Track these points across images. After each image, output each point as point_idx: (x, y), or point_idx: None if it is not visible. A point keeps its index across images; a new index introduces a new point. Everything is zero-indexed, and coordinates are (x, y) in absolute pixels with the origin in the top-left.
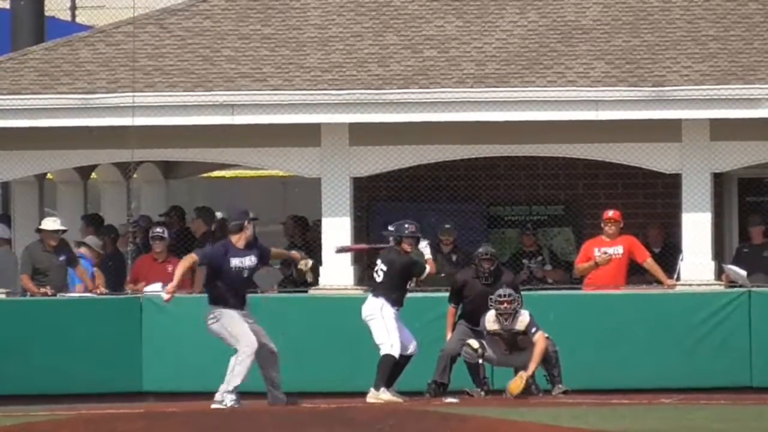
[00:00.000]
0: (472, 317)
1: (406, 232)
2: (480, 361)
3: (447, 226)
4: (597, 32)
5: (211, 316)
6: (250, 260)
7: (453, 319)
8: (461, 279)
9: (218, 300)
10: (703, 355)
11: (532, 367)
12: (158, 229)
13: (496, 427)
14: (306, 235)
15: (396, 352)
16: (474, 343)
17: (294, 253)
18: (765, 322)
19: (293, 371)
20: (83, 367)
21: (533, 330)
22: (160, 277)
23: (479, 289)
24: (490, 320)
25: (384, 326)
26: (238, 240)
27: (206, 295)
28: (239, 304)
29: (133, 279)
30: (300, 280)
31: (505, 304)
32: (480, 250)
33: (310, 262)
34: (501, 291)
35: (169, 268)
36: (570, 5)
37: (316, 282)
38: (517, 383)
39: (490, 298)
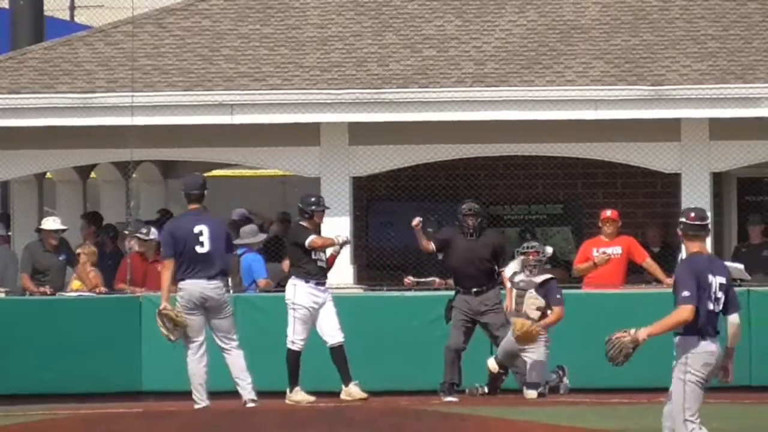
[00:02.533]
0: (459, 278)
1: (314, 207)
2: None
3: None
4: (596, 31)
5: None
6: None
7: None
8: (447, 234)
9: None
10: None
11: (542, 323)
12: (143, 230)
13: (495, 426)
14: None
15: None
16: (493, 367)
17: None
18: (764, 321)
19: None
20: (82, 366)
21: (557, 296)
22: (150, 276)
23: (464, 246)
24: (513, 269)
25: (290, 317)
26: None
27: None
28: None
29: (122, 278)
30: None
31: (532, 255)
32: (463, 206)
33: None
34: (528, 243)
35: (159, 267)
36: (569, 5)
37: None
38: (523, 325)
39: (517, 251)
